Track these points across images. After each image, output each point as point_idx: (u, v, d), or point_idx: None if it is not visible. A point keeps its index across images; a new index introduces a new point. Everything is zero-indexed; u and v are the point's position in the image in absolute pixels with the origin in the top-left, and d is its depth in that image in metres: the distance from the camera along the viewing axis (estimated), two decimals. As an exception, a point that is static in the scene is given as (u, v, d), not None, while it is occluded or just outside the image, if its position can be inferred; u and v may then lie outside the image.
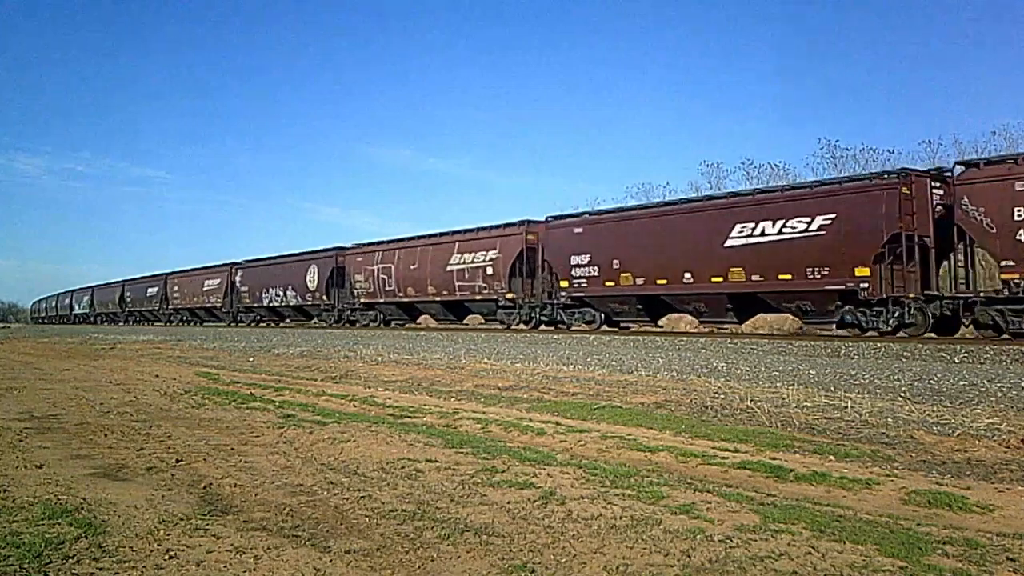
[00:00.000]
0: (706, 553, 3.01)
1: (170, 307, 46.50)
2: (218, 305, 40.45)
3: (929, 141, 35.45)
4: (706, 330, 19.25)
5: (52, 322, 71.31)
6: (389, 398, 8.20)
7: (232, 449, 5.43)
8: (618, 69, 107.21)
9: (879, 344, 13.17)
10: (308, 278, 32.03)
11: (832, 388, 7.81)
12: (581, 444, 5.46)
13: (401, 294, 26.99)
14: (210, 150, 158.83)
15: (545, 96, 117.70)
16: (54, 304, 74.32)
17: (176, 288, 45.46)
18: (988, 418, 5.89)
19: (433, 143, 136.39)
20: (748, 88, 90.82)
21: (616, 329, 20.75)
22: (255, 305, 37.04)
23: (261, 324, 37.77)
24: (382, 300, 28.05)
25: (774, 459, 4.76)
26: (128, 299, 53.46)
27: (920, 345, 12.64)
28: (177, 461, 4.96)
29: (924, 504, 3.75)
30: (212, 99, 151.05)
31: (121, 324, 52.69)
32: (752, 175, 33.87)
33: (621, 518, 3.51)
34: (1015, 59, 61.60)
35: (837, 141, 34.69)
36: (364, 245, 29.94)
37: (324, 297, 31.08)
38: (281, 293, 34.26)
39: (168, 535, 3.28)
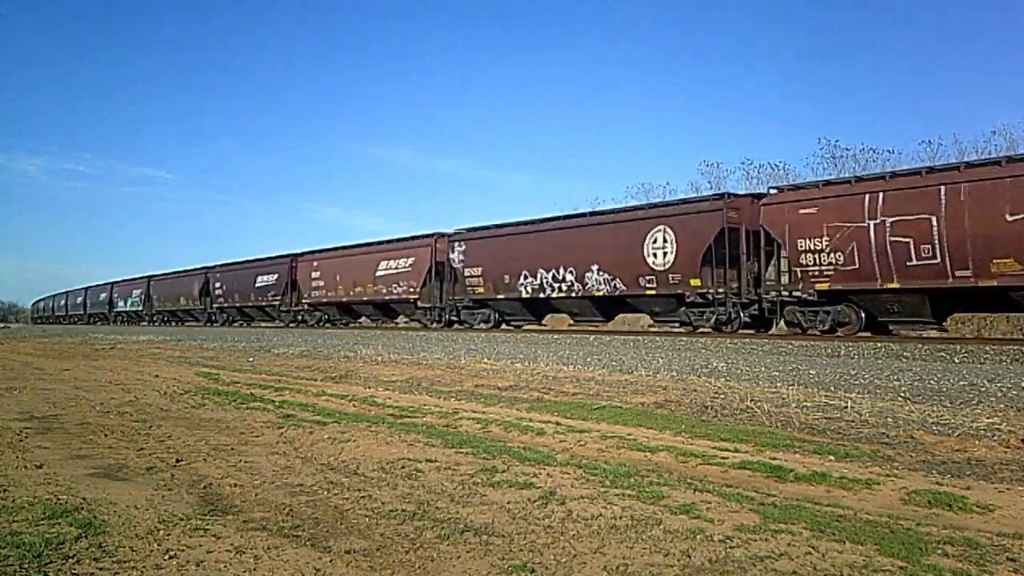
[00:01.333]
0: (706, 553, 3.01)
1: (304, 301, 32.20)
2: (410, 298, 26.53)
3: (929, 141, 35.53)
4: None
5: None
6: (389, 398, 8.20)
7: (232, 449, 5.43)
8: (618, 69, 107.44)
9: (879, 344, 13.23)
10: (648, 249, 18.86)
11: (832, 388, 7.81)
12: (581, 444, 5.46)
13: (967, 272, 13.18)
14: (210, 150, 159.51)
15: (545, 96, 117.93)
16: (79, 301, 62.45)
17: (318, 275, 31.19)
18: (988, 418, 5.90)
19: (434, 143, 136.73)
20: (748, 88, 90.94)
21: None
22: (495, 297, 23.40)
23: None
24: (896, 285, 14.26)
25: (774, 459, 4.76)
26: (219, 292, 38.36)
27: (920, 345, 12.69)
28: (177, 461, 4.96)
29: (924, 504, 3.75)
30: (212, 99, 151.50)
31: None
32: (752, 175, 33.91)
33: (621, 518, 3.51)
34: (1015, 59, 61.61)
35: (837, 141, 34.67)
36: (813, 186, 16.26)
37: (693, 280, 17.89)
38: (570, 276, 20.87)
39: (168, 535, 3.28)
